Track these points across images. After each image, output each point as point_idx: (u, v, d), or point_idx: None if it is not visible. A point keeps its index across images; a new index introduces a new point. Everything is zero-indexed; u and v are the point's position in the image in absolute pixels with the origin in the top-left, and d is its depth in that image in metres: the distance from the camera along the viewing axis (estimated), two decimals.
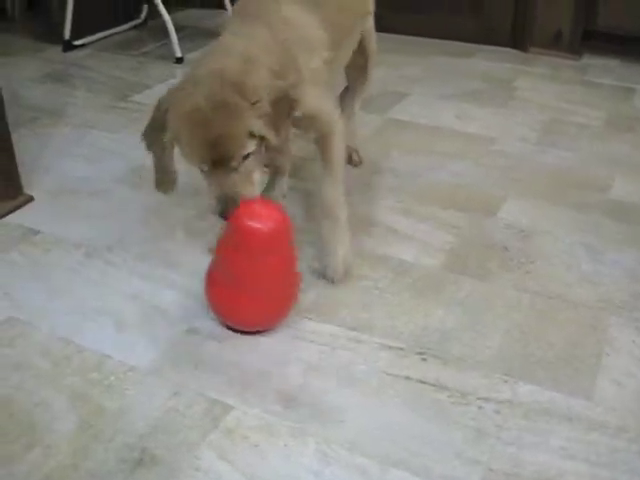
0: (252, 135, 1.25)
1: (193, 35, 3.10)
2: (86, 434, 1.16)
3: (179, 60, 2.81)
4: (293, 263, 1.39)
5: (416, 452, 1.13)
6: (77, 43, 2.98)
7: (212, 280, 1.37)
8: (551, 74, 2.77)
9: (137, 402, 1.22)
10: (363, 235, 1.68)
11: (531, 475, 1.10)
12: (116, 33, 3.17)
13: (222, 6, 3.06)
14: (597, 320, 1.43)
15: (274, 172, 1.77)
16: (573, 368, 1.30)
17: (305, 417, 1.20)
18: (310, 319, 1.42)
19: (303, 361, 1.32)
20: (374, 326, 1.41)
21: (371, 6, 1.77)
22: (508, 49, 3.01)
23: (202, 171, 1.30)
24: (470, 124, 2.31)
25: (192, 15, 3.42)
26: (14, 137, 1.78)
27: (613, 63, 2.85)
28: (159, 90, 2.47)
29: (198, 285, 1.41)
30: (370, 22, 1.82)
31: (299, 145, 1.88)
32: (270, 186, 1.78)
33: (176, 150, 1.32)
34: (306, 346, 1.35)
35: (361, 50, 1.79)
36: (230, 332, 1.38)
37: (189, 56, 2.80)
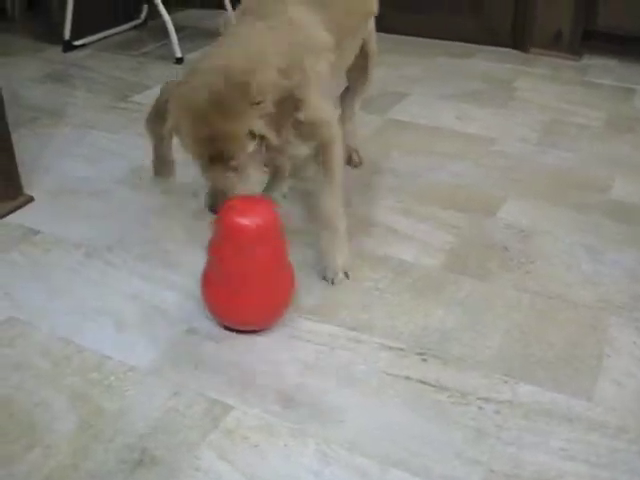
0: (252, 135, 1.25)
1: (193, 35, 3.10)
2: (86, 434, 1.16)
3: (179, 60, 2.81)
4: (284, 259, 1.38)
5: (416, 452, 1.13)
6: (77, 43, 2.98)
7: (206, 280, 1.38)
8: (551, 74, 2.77)
9: (137, 402, 1.22)
10: (363, 235, 1.68)
11: (531, 475, 1.10)
12: (116, 33, 3.17)
13: (222, 6, 3.06)
14: (597, 320, 1.43)
15: (274, 172, 1.77)
16: (573, 368, 1.30)
17: (305, 417, 1.20)
18: (310, 319, 1.42)
19: (303, 361, 1.32)
20: (374, 326, 1.41)
21: (375, 7, 1.77)
22: (508, 49, 3.01)
23: (199, 165, 1.29)
24: (470, 124, 2.31)
25: (192, 15, 3.42)
26: (14, 137, 1.78)
27: (613, 63, 2.85)
28: (159, 90, 2.48)
29: (198, 285, 1.41)
30: (371, 22, 1.82)
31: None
32: (270, 186, 1.78)
33: (176, 140, 1.32)
34: (306, 346, 1.35)
35: (362, 50, 1.79)
36: (229, 332, 1.38)
37: (189, 56, 2.80)
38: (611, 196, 1.89)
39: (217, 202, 1.29)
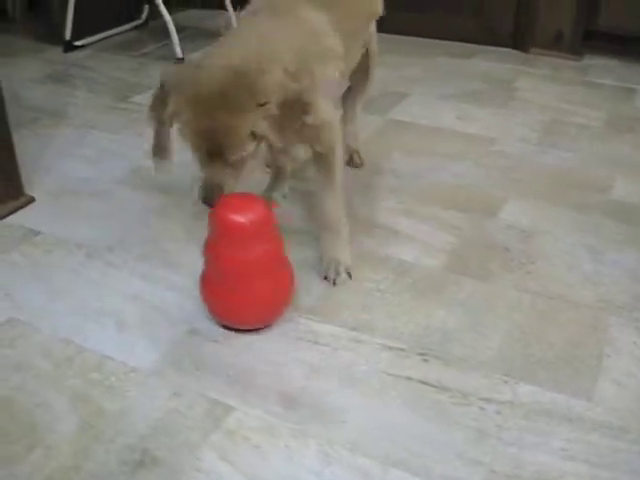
0: (254, 135, 1.25)
1: (194, 36, 3.11)
2: (87, 435, 1.16)
3: (180, 61, 2.81)
4: (282, 257, 1.38)
5: (417, 453, 1.13)
6: (78, 44, 2.98)
7: (204, 280, 1.38)
8: (552, 75, 2.77)
9: (138, 403, 1.22)
10: (364, 236, 1.68)
11: (532, 476, 1.10)
12: (117, 34, 3.17)
13: (223, 7, 3.06)
14: (598, 320, 1.43)
15: (275, 173, 1.77)
16: (574, 368, 1.30)
17: (306, 418, 1.20)
18: (311, 320, 1.42)
19: (304, 362, 1.32)
20: (375, 327, 1.41)
21: (380, 7, 1.77)
22: (509, 50, 3.01)
23: (197, 157, 1.29)
24: (471, 125, 2.31)
25: (193, 16, 3.43)
26: (15, 138, 1.78)
27: (614, 63, 2.85)
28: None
29: (199, 286, 1.41)
30: (372, 23, 1.82)
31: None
32: (271, 186, 1.78)
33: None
34: (307, 347, 1.35)
35: (363, 52, 1.80)
36: (231, 333, 1.38)
37: (190, 57, 2.80)
38: (611, 196, 1.89)
39: (211, 195, 1.29)
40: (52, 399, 1.23)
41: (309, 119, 1.29)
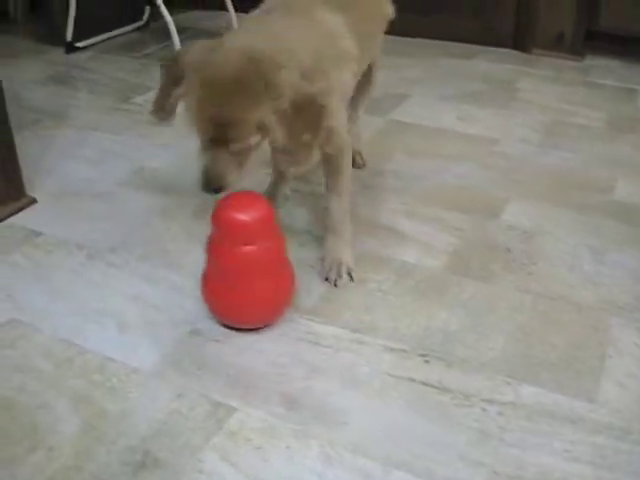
0: (261, 127, 1.23)
1: (195, 37, 3.09)
2: (89, 436, 1.16)
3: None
4: (282, 257, 1.38)
5: (419, 454, 1.13)
6: (79, 45, 2.98)
7: (206, 278, 1.38)
8: (553, 75, 2.76)
9: (140, 404, 1.22)
10: (366, 237, 1.68)
11: (534, 477, 1.10)
12: (118, 35, 3.17)
13: (224, 8, 3.06)
14: (599, 321, 1.43)
15: (277, 175, 1.77)
16: (576, 370, 1.30)
17: (308, 419, 1.19)
18: (313, 321, 1.42)
19: (306, 363, 1.32)
20: (377, 328, 1.40)
21: (391, 10, 1.77)
22: (510, 50, 3.01)
23: (201, 141, 1.27)
24: (472, 126, 2.31)
25: (194, 17, 3.43)
26: (17, 139, 1.78)
27: (615, 64, 2.85)
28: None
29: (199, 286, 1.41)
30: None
31: None
32: (272, 188, 1.78)
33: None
34: (309, 348, 1.35)
35: None
36: (232, 333, 1.38)
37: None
38: (613, 197, 1.89)
39: (212, 184, 1.27)
40: (53, 400, 1.23)
41: (324, 122, 1.27)
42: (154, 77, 2.66)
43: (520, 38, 2.99)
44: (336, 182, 1.51)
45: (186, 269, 1.56)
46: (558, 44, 2.91)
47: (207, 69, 1.22)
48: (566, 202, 1.85)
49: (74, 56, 2.94)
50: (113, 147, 2.15)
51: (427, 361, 1.32)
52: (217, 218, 1.31)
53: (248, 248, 1.30)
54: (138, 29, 3.27)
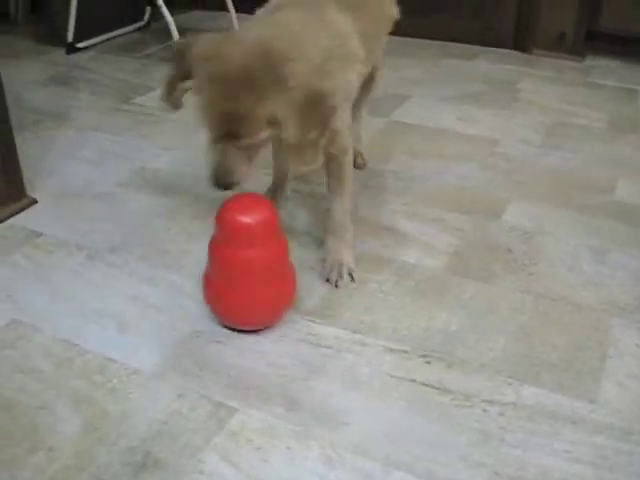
0: (272, 120, 1.21)
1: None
2: (89, 437, 1.16)
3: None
4: (284, 258, 1.38)
5: (420, 455, 1.13)
6: (80, 46, 2.98)
7: (207, 280, 1.38)
8: (554, 76, 2.76)
9: (140, 405, 1.22)
10: (367, 237, 1.68)
11: (535, 478, 1.09)
12: (119, 35, 3.18)
13: (225, 8, 3.06)
14: (600, 322, 1.42)
15: (278, 176, 1.77)
16: (577, 370, 1.30)
17: (309, 420, 1.19)
18: (314, 322, 1.42)
19: (307, 364, 1.31)
20: (378, 329, 1.40)
21: (395, 11, 1.76)
22: (510, 51, 3.01)
23: (211, 136, 1.25)
24: (473, 126, 2.31)
25: (195, 17, 3.43)
26: (18, 140, 1.78)
27: (616, 64, 2.85)
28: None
29: (201, 287, 1.41)
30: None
31: None
32: (273, 189, 1.77)
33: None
34: (310, 349, 1.35)
35: None
36: (233, 334, 1.38)
37: None
38: (614, 197, 1.89)
39: (223, 179, 1.26)
40: (54, 401, 1.23)
41: (332, 121, 1.26)
42: (155, 77, 2.69)
43: (520, 38, 2.99)
44: (338, 183, 1.51)
45: (186, 269, 1.56)
46: (559, 44, 2.91)
47: (216, 63, 1.20)
48: (567, 203, 1.85)
49: (75, 57, 2.94)
50: (114, 148, 2.15)
51: (428, 362, 1.32)
52: (221, 220, 1.31)
53: (251, 251, 1.30)
54: (139, 29, 3.28)
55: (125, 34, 3.20)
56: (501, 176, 1.99)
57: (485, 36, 3.03)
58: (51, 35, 3.03)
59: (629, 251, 1.65)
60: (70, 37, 2.93)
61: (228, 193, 1.30)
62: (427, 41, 3.07)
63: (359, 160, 1.98)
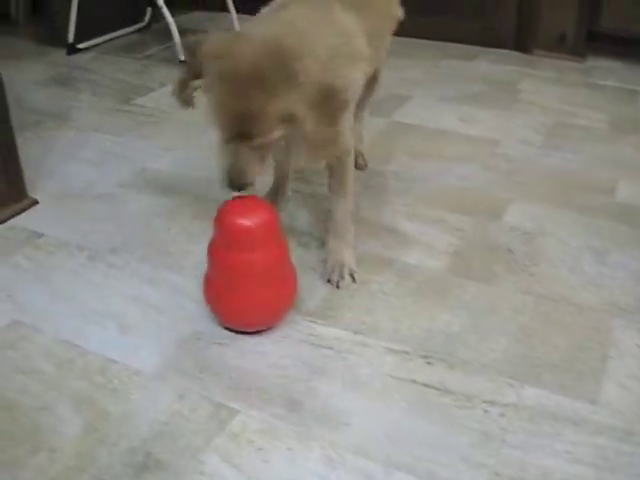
0: (285, 118, 1.20)
1: None
2: (91, 438, 1.16)
3: (182, 63, 2.81)
4: (286, 260, 1.38)
5: (421, 456, 1.13)
6: (81, 46, 2.99)
7: (208, 282, 1.38)
8: (555, 76, 2.76)
9: (141, 406, 1.22)
10: (368, 238, 1.68)
11: (536, 478, 1.09)
12: (120, 36, 3.18)
13: (225, 9, 3.07)
14: (601, 323, 1.42)
15: (279, 177, 1.76)
16: (578, 371, 1.30)
17: (310, 421, 1.19)
18: (315, 322, 1.42)
19: (308, 365, 1.31)
20: (379, 329, 1.40)
21: (399, 11, 1.76)
22: (511, 51, 3.01)
23: (223, 136, 1.24)
24: (474, 127, 2.31)
25: (196, 18, 3.43)
26: (18, 141, 1.78)
27: (617, 65, 2.85)
28: (163, 93, 2.49)
29: (201, 288, 1.41)
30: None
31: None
32: (273, 191, 1.77)
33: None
34: (311, 350, 1.35)
35: None
36: (234, 335, 1.38)
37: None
38: (615, 198, 1.89)
39: (237, 180, 1.24)
40: (55, 402, 1.23)
41: (343, 115, 1.25)
42: (155, 78, 2.69)
43: (521, 39, 2.99)
44: (340, 184, 1.51)
45: (187, 270, 1.56)
46: (559, 45, 2.90)
47: (226, 61, 1.19)
48: (568, 203, 1.85)
49: (75, 57, 2.94)
50: (114, 148, 2.15)
51: (429, 362, 1.32)
52: (220, 222, 1.30)
53: (251, 254, 1.30)
54: (139, 30, 3.28)
55: (126, 35, 3.20)
56: (502, 177, 1.99)
57: (485, 36, 3.03)
58: (52, 36, 3.03)
59: (630, 252, 1.65)
60: (71, 38, 2.93)
61: (242, 192, 1.29)
62: (427, 41, 3.07)
63: (360, 161, 1.98)
